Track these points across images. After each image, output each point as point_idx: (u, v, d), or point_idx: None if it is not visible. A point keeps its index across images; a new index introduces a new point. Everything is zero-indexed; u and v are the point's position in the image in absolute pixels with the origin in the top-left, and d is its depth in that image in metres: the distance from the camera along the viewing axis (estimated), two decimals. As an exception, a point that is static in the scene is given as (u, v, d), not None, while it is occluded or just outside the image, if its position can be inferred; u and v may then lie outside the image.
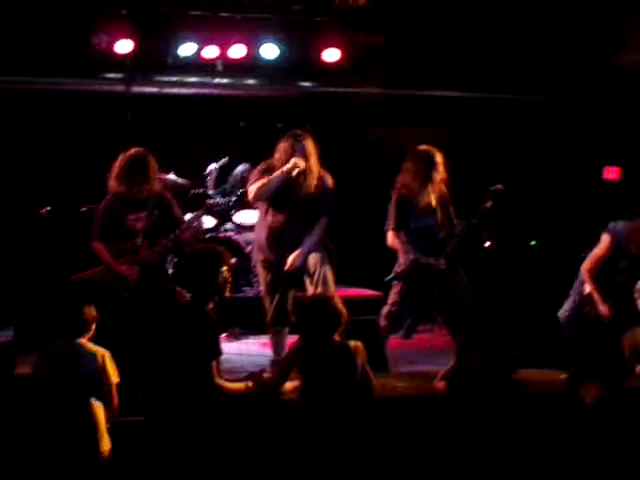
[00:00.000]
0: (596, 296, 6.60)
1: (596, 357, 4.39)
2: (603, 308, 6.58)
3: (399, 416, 5.32)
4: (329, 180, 6.49)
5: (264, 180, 6.39)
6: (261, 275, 6.63)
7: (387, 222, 6.64)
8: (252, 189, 6.48)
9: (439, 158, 6.58)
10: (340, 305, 5.11)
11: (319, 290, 6.20)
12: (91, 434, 4.78)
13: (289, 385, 5.01)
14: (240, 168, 8.80)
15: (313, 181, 6.40)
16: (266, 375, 5.15)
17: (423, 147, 6.66)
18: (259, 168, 6.56)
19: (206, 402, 4.85)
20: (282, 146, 6.46)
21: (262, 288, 6.66)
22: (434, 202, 6.59)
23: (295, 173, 6.32)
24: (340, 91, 9.49)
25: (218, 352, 4.95)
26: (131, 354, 5.31)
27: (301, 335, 5.08)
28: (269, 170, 6.44)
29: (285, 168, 6.33)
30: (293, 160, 6.33)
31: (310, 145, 6.43)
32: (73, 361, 4.93)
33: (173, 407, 4.82)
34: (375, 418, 4.90)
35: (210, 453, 4.72)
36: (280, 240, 6.43)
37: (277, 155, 6.47)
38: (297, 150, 6.37)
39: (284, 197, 6.40)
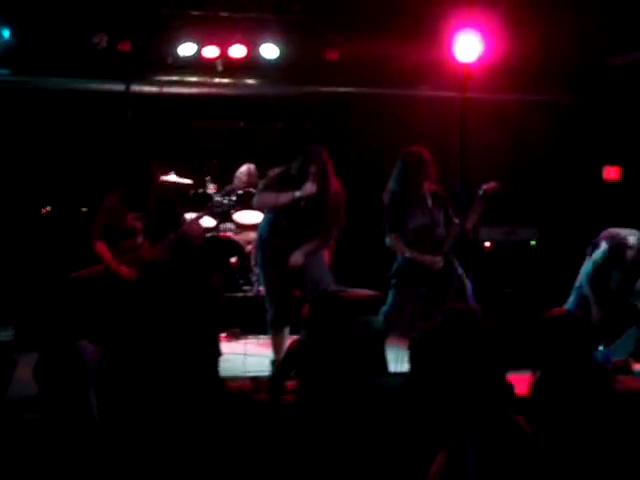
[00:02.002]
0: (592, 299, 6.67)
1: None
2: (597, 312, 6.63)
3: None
4: (342, 196, 6.48)
5: (272, 196, 6.40)
6: (262, 274, 6.64)
7: (385, 223, 6.67)
8: (258, 197, 6.52)
9: (428, 158, 6.61)
10: (339, 304, 5.12)
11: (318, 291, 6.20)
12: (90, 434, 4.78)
13: (288, 385, 5.02)
14: (243, 168, 8.81)
15: (326, 198, 6.39)
16: None
17: (412, 148, 6.69)
18: (275, 174, 6.55)
19: (208, 401, 4.85)
20: (295, 166, 6.45)
21: (263, 287, 6.67)
22: (429, 202, 6.62)
23: (304, 199, 6.34)
24: (339, 91, 9.48)
25: (219, 351, 4.96)
26: (131, 353, 5.31)
27: (301, 334, 5.09)
28: (285, 179, 6.44)
29: (297, 194, 6.33)
30: (305, 189, 6.32)
31: (324, 165, 6.41)
32: (73, 361, 4.93)
33: (174, 406, 4.82)
34: (374, 418, 4.90)
35: (208, 453, 4.72)
36: (283, 240, 6.44)
37: (293, 169, 6.48)
38: (310, 173, 6.35)
39: (293, 205, 6.40)
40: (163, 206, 6.46)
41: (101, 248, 6.34)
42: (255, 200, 6.63)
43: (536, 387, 4.43)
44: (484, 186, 6.59)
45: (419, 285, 6.54)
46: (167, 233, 6.37)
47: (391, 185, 6.68)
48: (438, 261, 6.54)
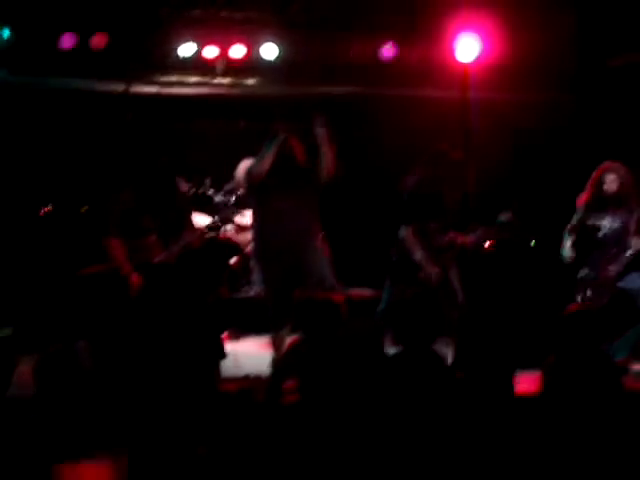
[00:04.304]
0: None
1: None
2: None
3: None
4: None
5: (260, 160, 6.51)
6: (261, 274, 6.64)
7: (403, 213, 6.52)
8: (252, 171, 6.55)
9: (457, 157, 6.48)
10: (340, 304, 5.12)
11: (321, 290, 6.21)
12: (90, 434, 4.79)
13: (288, 384, 5.01)
14: (244, 165, 8.80)
15: (300, 157, 6.45)
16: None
17: (439, 146, 6.54)
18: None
19: (208, 402, 4.85)
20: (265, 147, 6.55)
21: (262, 287, 6.67)
22: (449, 202, 6.50)
23: (284, 143, 6.43)
24: (340, 91, 9.49)
25: (223, 353, 4.97)
26: (136, 353, 5.31)
27: (301, 334, 5.09)
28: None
29: (278, 139, 6.43)
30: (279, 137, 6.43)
31: (292, 139, 6.48)
32: (73, 362, 4.94)
33: (175, 407, 4.82)
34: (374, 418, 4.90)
35: (207, 454, 4.73)
36: (277, 237, 6.45)
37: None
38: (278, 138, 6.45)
39: (276, 192, 6.43)
40: (178, 207, 6.48)
41: (116, 245, 6.24)
42: (252, 173, 6.64)
43: (547, 382, 4.41)
44: (502, 216, 6.53)
45: (414, 284, 6.51)
46: (181, 233, 6.38)
47: (419, 173, 6.51)
48: (437, 273, 6.42)
